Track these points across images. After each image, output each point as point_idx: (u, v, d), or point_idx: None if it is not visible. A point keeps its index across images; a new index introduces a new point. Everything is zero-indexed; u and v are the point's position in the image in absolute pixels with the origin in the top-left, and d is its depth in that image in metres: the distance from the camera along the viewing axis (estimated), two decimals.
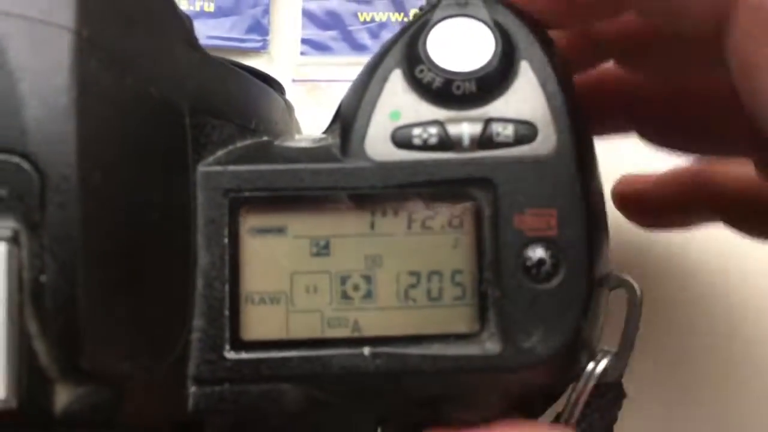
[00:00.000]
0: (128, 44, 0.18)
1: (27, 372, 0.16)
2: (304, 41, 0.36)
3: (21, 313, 0.16)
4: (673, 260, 0.33)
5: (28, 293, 0.16)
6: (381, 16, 0.36)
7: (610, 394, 0.22)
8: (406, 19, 0.36)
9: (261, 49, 0.36)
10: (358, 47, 0.36)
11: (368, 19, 0.36)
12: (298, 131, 0.29)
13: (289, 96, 0.29)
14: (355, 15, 0.36)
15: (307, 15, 0.36)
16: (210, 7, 0.37)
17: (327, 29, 0.36)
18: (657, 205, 0.27)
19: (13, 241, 0.16)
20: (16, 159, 0.16)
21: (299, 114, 0.29)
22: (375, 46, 0.36)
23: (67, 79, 0.16)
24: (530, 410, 0.22)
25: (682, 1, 0.18)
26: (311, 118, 0.30)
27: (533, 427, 0.21)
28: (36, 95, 0.16)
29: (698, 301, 0.34)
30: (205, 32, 0.36)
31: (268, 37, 0.36)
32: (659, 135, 0.25)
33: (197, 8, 0.37)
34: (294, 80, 0.37)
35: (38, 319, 0.16)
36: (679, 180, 0.27)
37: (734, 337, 0.33)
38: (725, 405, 0.33)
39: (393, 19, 0.36)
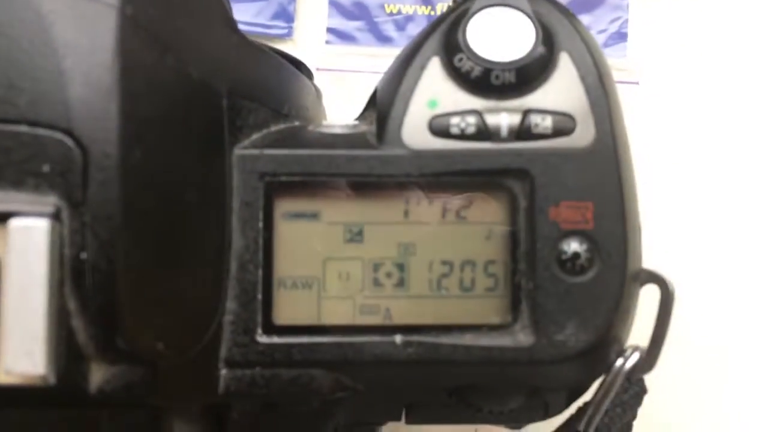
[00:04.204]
0: (169, 24, 0.18)
1: (65, 349, 0.16)
2: (329, 30, 0.36)
3: (61, 290, 0.16)
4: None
5: (69, 270, 0.16)
6: (408, 9, 0.36)
7: (632, 390, 0.22)
8: (432, 13, 0.36)
9: (286, 36, 0.36)
10: (383, 39, 0.36)
11: (395, 11, 0.36)
12: (325, 118, 0.29)
13: None
14: (382, 6, 0.36)
15: (334, 4, 0.36)
16: None
17: (353, 19, 0.36)
18: None
19: (55, 217, 0.16)
20: (59, 135, 0.16)
21: (323, 103, 0.29)
22: (400, 39, 0.35)
23: (110, 57, 0.16)
24: (556, 405, 0.22)
25: None
26: (335, 107, 0.29)
27: None
28: (80, 72, 0.16)
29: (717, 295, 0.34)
30: None
31: (293, 25, 0.36)
32: None
33: None
34: (318, 69, 0.36)
35: (78, 296, 0.16)
36: None
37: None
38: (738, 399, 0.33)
39: (420, 12, 0.36)
